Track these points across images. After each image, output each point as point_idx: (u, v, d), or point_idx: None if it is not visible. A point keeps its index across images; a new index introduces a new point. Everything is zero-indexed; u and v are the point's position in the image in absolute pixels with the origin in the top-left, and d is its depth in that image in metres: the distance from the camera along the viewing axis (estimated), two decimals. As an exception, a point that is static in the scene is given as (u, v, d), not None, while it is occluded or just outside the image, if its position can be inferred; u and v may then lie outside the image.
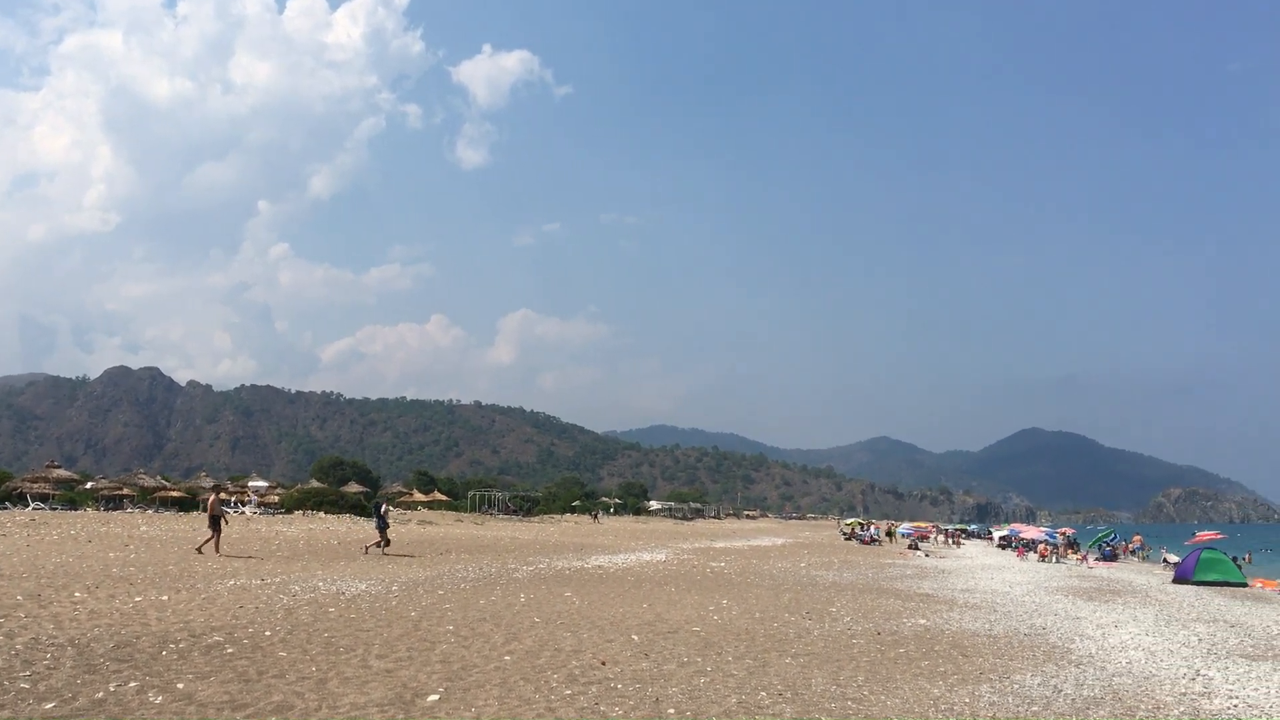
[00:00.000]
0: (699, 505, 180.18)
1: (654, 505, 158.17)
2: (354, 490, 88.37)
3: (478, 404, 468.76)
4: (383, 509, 32.79)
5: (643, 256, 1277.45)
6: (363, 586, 20.85)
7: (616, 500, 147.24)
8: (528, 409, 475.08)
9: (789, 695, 11.29)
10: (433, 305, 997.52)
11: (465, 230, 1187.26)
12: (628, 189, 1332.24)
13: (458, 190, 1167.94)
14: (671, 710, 10.27)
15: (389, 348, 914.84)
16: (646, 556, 38.57)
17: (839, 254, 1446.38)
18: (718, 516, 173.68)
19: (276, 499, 75.55)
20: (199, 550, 27.94)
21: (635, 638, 15.09)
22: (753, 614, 19.36)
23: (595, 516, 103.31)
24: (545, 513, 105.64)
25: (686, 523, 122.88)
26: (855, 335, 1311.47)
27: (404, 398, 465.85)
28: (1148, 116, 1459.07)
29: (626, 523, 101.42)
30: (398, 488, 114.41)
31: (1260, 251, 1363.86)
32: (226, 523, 31.69)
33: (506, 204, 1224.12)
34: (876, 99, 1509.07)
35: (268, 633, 13.81)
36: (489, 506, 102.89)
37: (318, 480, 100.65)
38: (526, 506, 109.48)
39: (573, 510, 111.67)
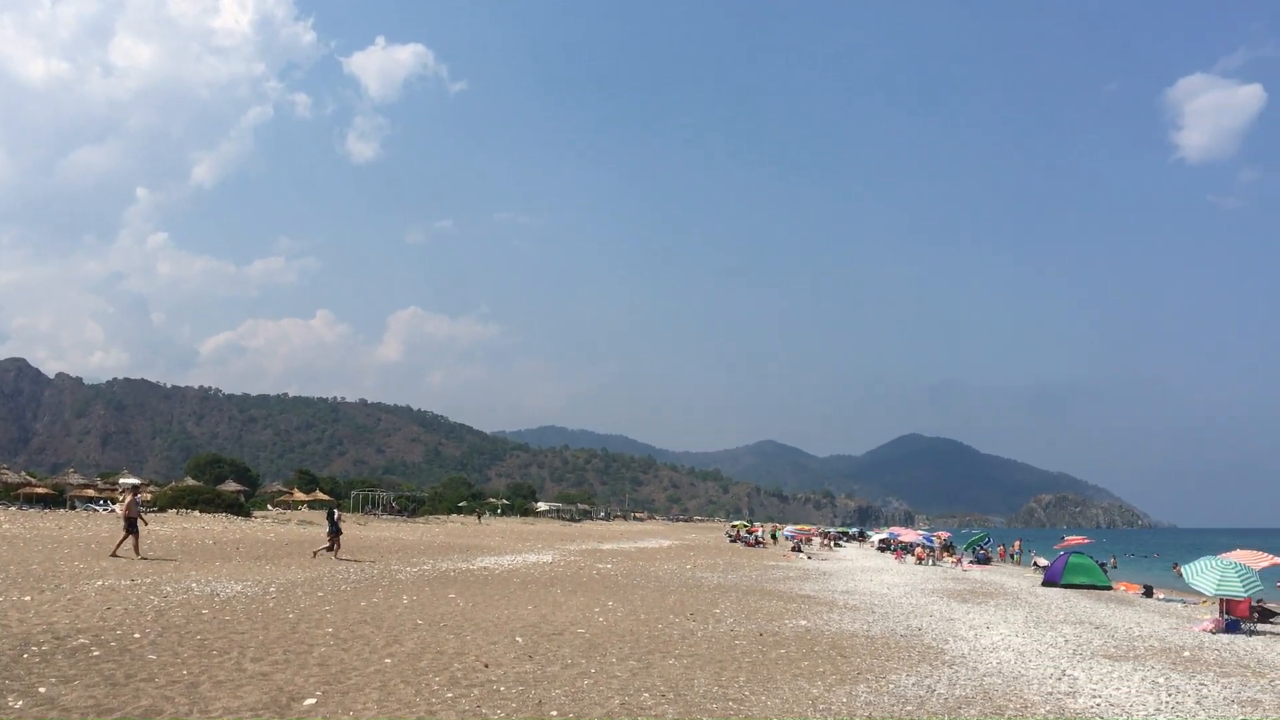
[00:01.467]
0: (587, 507, 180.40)
1: (542, 506, 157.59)
2: (231, 489, 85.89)
3: (363, 402, 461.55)
4: (335, 515, 32.29)
5: (535, 256, 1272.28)
6: (238, 588, 20.27)
7: (504, 501, 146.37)
8: (415, 408, 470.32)
9: (672, 696, 11.36)
10: (319, 300, 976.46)
11: (354, 224, 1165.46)
12: (522, 188, 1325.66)
13: (347, 183, 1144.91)
14: (554, 712, 10.24)
15: (271, 342, 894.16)
16: (533, 558, 38.41)
17: (727, 259, 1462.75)
18: (606, 518, 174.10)
19: (149, 497, 72.93)
20: (114, 554, 26.80)
21: (520, 640, 15.00)
22: (638, 615, 19.44)
23: (479, 517, 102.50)
24: (431, 513, 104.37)
25: (574, 524, 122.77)
26: (744, 340, 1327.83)
27: (286, 394, 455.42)
28: (1029, 135, 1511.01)
29: (514, 524, 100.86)
30: (278, 486, 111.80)
31: (1130, 269, 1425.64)
32: (145, 523, 30.51)
33: (398, 199, 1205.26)
34: (771, 108, 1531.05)
35: (137, 635, 13.31)
36: (373, 507, 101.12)
37: (193, 478, 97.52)
38: (411, 507, 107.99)
39: (459, 511, 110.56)
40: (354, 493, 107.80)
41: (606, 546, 55.18)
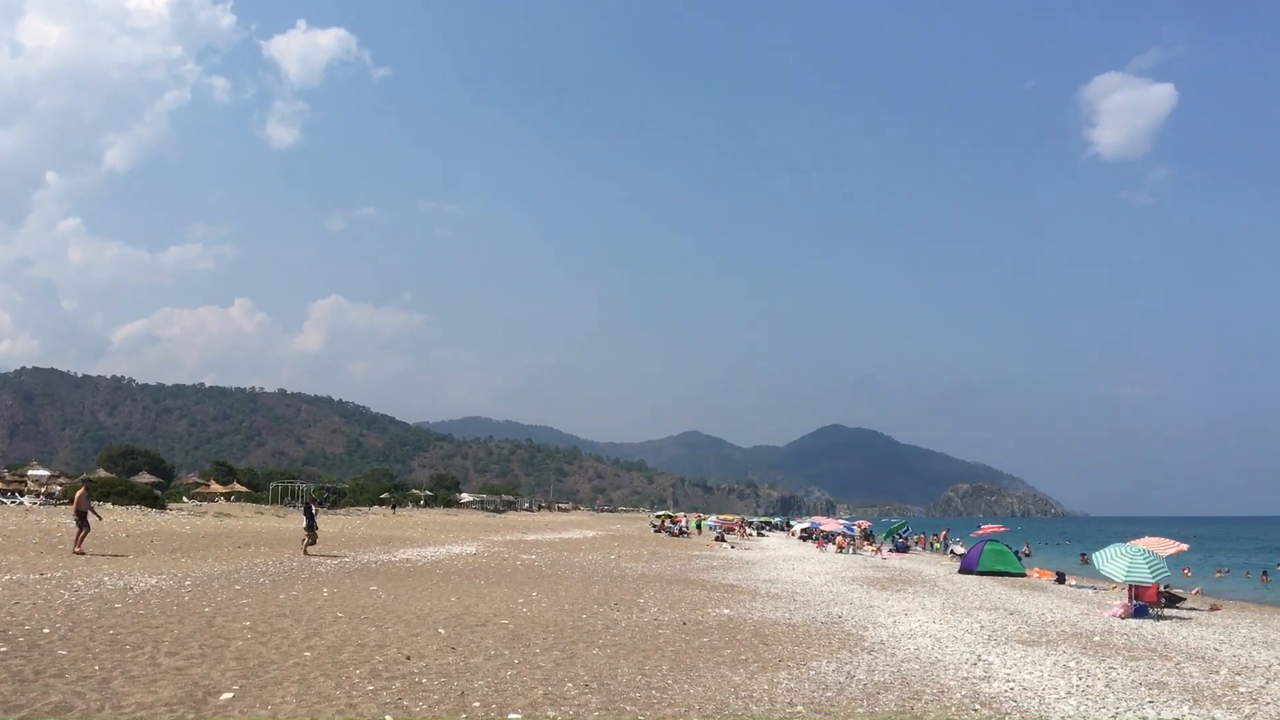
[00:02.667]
0: (512, 498, 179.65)
1: (466, 498, 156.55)
2: (145, 481, 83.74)
3: (283, 392, 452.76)
4: (312, 509, 32.00)
5: (460, 246, 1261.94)
6: (153, 581, 19.81)
7: (427, 492, 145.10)
8: (336, 398, 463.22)
9: (595, 686, 11.37)
10: (237, 288, 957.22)
11: (274, 211, 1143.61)
12: (447, 177, 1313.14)
13: (267, 169, 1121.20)
14: (477, 704, 10.18)
15: (187, 332, 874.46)
16: (456, 549, 38.16)
17: (654, 251, 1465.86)
18: (531, 509, 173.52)
19: (59, 489, 70.86)
20: (77, 551, 26.00)
21: (442, 631, 14.89)
22: (562, 606, 19.42)
23: (394, 508, 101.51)
24: (353, 505, 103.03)
25: (499, 515, 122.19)
26: (669, 331, 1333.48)
27: (203, 384, 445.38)
28: (946, 132, 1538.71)
29: (437, 515, 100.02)
30: (194, 478, 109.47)
31: (1045, 264, 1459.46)
32: (99, 517, 29.63)
33: (319, 186, 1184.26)
34: (699, 100, 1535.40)
35: (46, 630, 12.94)
36: (292, 498, 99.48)
37: (105, 470, 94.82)
38: (332, 499, 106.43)
39: (381, 503, 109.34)
40: (273, 485, 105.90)
41: (531, 537, 55.02)
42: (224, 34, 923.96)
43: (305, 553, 30.28)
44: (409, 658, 12.48)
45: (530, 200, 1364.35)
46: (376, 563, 28.95)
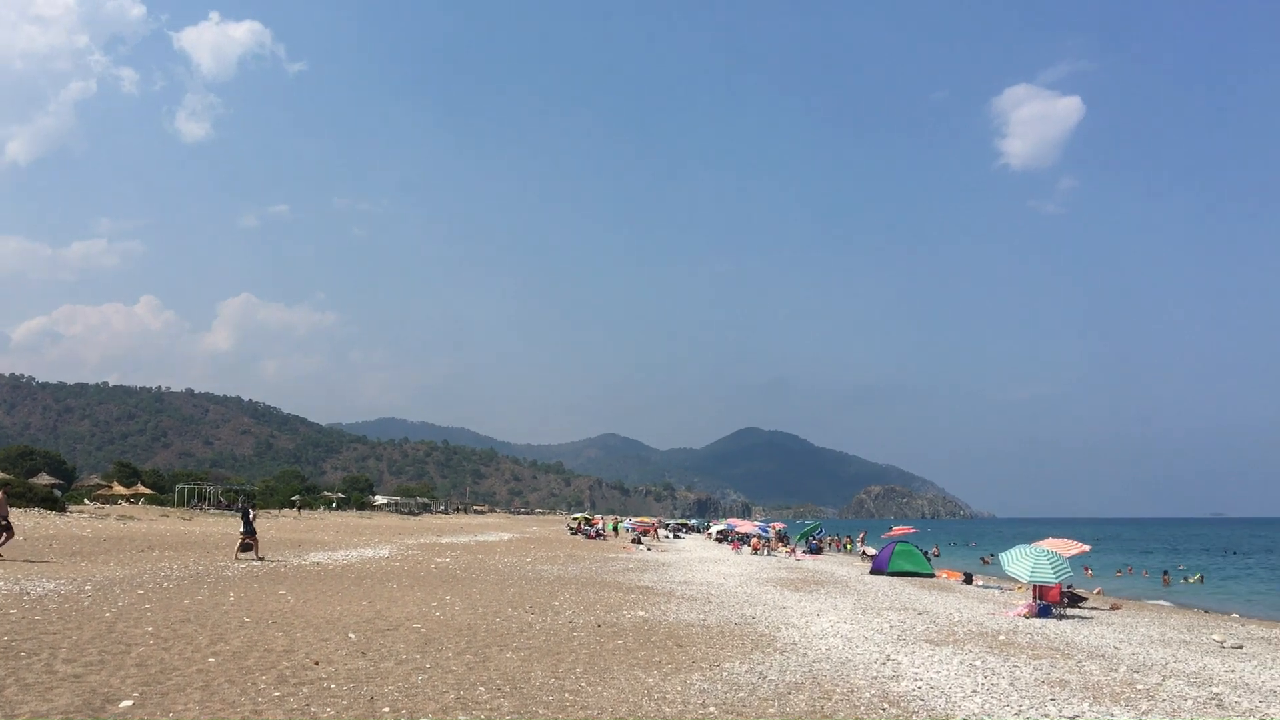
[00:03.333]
0: (427, 500, 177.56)
1: (379, 500, 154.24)
2: (44, 483, 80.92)
3: (190, 392, 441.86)
4: (250, 514, 31.38)
5: (376, 244, 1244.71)
6: (50, 586, 19.15)
7: (339, 495, 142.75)
8: (246, 398, 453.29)
9: (508, 689, 11.29)
10: (143, 285, 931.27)
11: (183, 207, 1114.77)
12: (363, 175, 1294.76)
13: (176, 164, 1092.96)
14: (386, 709, 10.03)
15: (91, 329, 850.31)
16: (369, 553, 37.59)
17: (572, 253, 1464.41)
18: (446, 512, 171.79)
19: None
20: None
21: (353, 636, 14.65)
22: (476, 609, 19.25)
23: (298, 510, 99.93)
24: (262, 507, 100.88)
25: (413, 518, 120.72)
26: (587, 334, 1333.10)
27: (106, 383, 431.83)
28: (861, 140, 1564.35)
29: (349, 518, 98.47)
30: (96, 480, 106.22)
31: (956, 270, 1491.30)
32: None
33: (230, 182, 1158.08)
34: (612, 102, 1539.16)
35: (-68, 639, 12.42)
36: (199, 501, 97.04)
37: (2, 471, 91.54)
38: (240, 501, 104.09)
39: (291, 505, 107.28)
40: (179, 487, 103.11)
41: (446, 540, 54.47)
42: (133, 24, 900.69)
43: (237, 557, 29.81)
44: (317, 663, 12.25)
45: (446, 199, 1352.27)
46: (286, 566, 28.39)
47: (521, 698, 10.90)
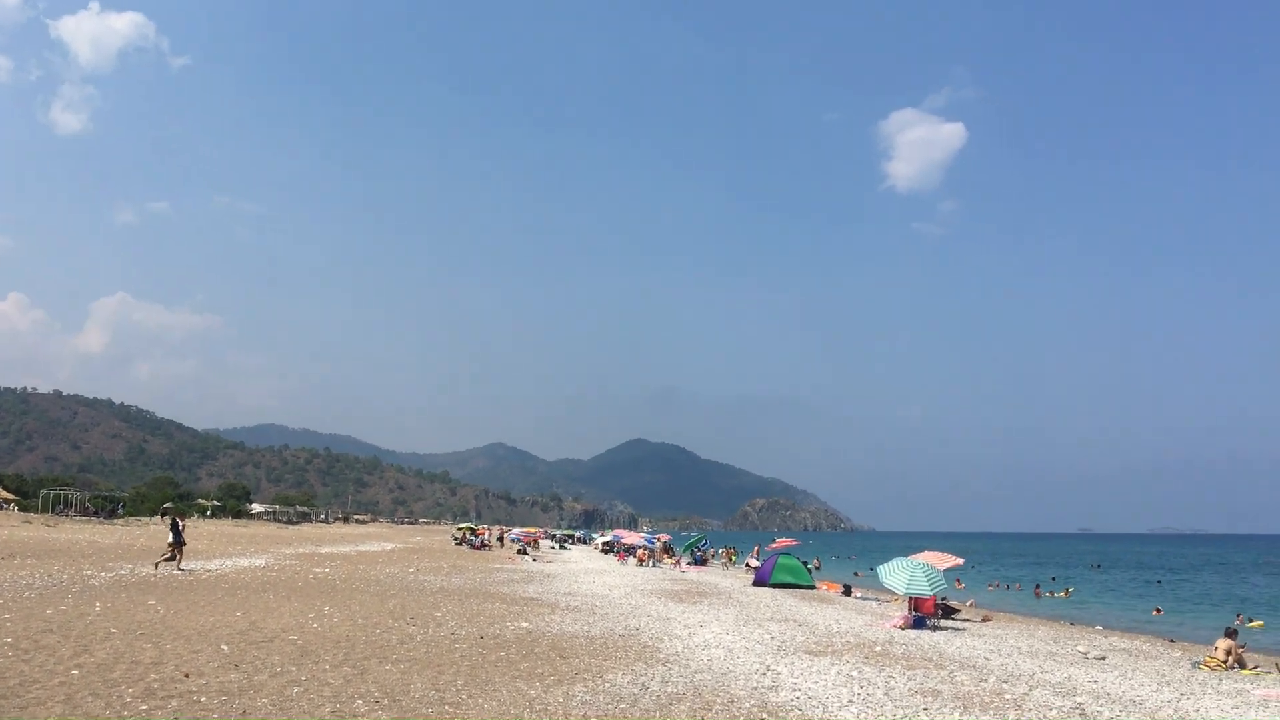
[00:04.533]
0: (306, 509, 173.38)
1: (257, 508, 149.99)
2: (-104, 486, 76.72)
3: (58, 394, 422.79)
4: (179, 525, 30.83)
5: (258, 245, 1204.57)
6: (-102, 596, 18.16)
7: (215, 502, 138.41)
8: (118, 401, 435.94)
9: (386, 702, 11.11)
10: (10, 282, 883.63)
11: (55, 201, 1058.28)
12: (247, 174, 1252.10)
13: (50, 156, 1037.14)
14: (260, 722, 9.78)
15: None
16: (244, 562, 36.57)
17: (456, 261, 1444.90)
18: (326, 521, 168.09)
19: None
20: None
21: (225, 648, 14.23)
22: (355, 620, 18.90)
23: (161, 516, 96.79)
24: (133, 515, 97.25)
25: (292, 527, 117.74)
26: (475, 342, 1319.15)
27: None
28: (752, 157, 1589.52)
29: (225, 526, 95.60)
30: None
31: (841, 288, 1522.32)
32: None
33: (107, 176, 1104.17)
34: (501, 107, 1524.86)
35: None
36: (65, 507, 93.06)
37: None
38: (110, 508, 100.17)
39: (164, 514, 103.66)
40: (44, 492, 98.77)
41: (325, 550, 53.34)
42: (8, 11, 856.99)
43: (156, 566, 29.64)
44: (187, 675, 11.87)
45: (329, 202, 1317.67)
46: (156, 576, 27.43)
47: (400, 710, 10.73)
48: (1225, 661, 19.52)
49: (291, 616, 18.98)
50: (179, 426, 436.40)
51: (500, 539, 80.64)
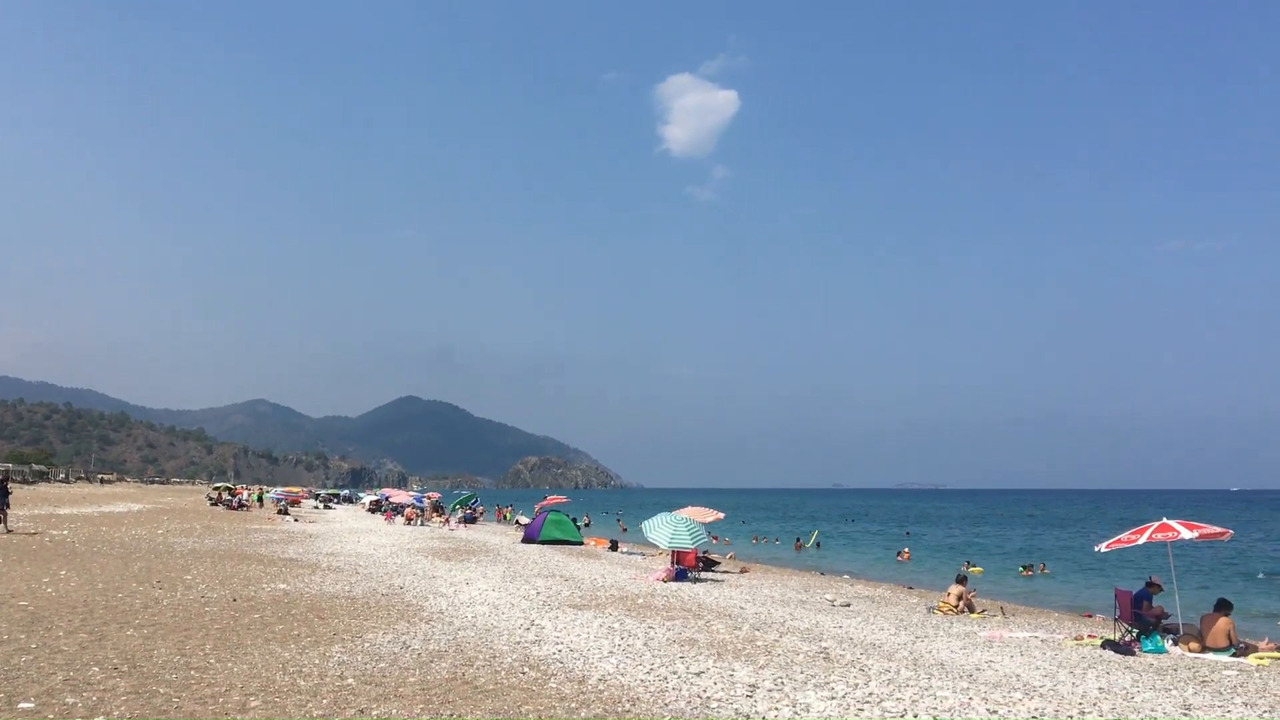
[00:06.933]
0: (44, 468, 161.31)
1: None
2: None
3: None
4: (7, 486, 29.86)
5: (4, 188, 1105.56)
6: None
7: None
8: None
9: (126, 669, 10.48)
10: None
11: None
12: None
13: None
14: (-21, 695, 9.03)
15: None
16: (-30, 525, 33.63)
17: (219, 201, 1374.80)
18: (67, 480, 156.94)
19: None
20: None
21: (-59, 617, 13.07)
22: (95, 585, 17.75)
23: None
24: None
25: (28, 487, 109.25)
26: (237, 291, 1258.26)
27: None
28: (532, 116, 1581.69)
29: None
30: None
31: (617, 249, 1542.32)
32: None
33: None
34: (277, 50, 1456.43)
35: None
36: None
37: None
38: None
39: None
40: None
41: (64, 511, 49.72)
42: None
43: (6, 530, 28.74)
44: (-106, 648, 10.82)
45: (90, 135, 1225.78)
46: None
47: (141, 677, 10.15)
48: (957, 606, 21.18)
49: (22, 581, 17.65)
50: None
51: (259, 498, 77.54)
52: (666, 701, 10.07)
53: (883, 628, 17.34)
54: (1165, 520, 17.18)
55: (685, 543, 25.75)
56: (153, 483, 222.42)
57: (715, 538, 51.44)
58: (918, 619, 19.47)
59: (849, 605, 21.39)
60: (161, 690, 9.64)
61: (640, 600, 19.62)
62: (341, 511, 73.24)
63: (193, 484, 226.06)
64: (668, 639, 14.42)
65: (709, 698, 10.31)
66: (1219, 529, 17.43)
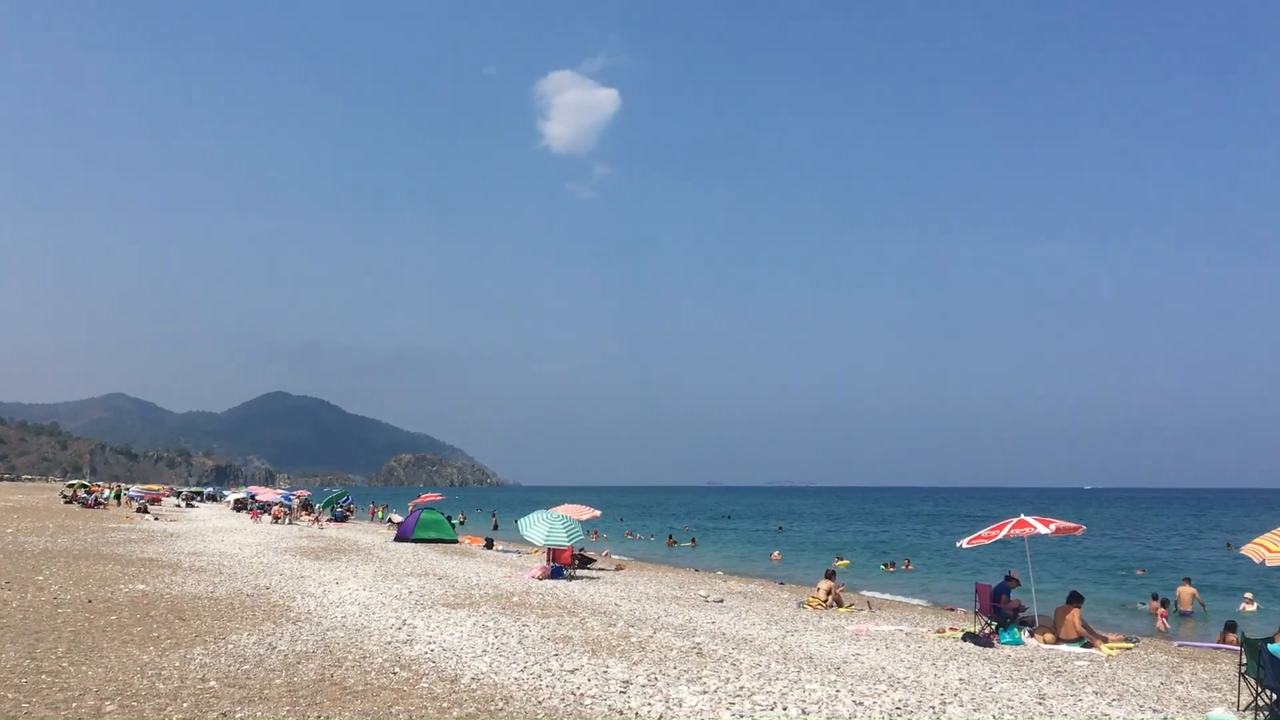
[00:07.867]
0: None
1: None
2: None
3: None
4: None
5: None
6: None
7: None
8: None
9: (-30, 675, 9.95)
10: None
11: None
12: None
13: None
14: None
15: None
16: None
17: (67, 193, 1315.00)
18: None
19: None
20: None
21: None
22: (-65, 587, 16.81)
23: None
24: None
25: None
26: (91, 284, 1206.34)
27: None
28: (413, 107, 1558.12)
29: None
30: None
31: (495, 245, 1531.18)
32: None
33: None
34: (131, 42, 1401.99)
35: None
36: None
37: None
38: None
39: None
40: None
41: (-97, 510, 47.00)
42: None
43: None
44: None
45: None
46: None
47: (-14, 683, 9.65)
48: (825, 600, 21.67)
49: None
50: None
51: (117, 496, 74.50)
52: (540, 699, 10.04)
53: (754, 623, 17.63)
54: (1023, 516, 17.93)
55: (561, 540, 25.73)
56: (1, 480, 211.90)
57: (595, 534, 51.62)
58: (788, 614, 19.87)
59: (722, 601, 21.68)
60: (10, 695, 9.19)
61: (515, 598, 19.52)
62: (205, 510, 70.88)
63: (46, 481, 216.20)
64: (542, 637, 14.39)
65: (583, 695, 10.33)
66: (1073, 524, 18.29)
